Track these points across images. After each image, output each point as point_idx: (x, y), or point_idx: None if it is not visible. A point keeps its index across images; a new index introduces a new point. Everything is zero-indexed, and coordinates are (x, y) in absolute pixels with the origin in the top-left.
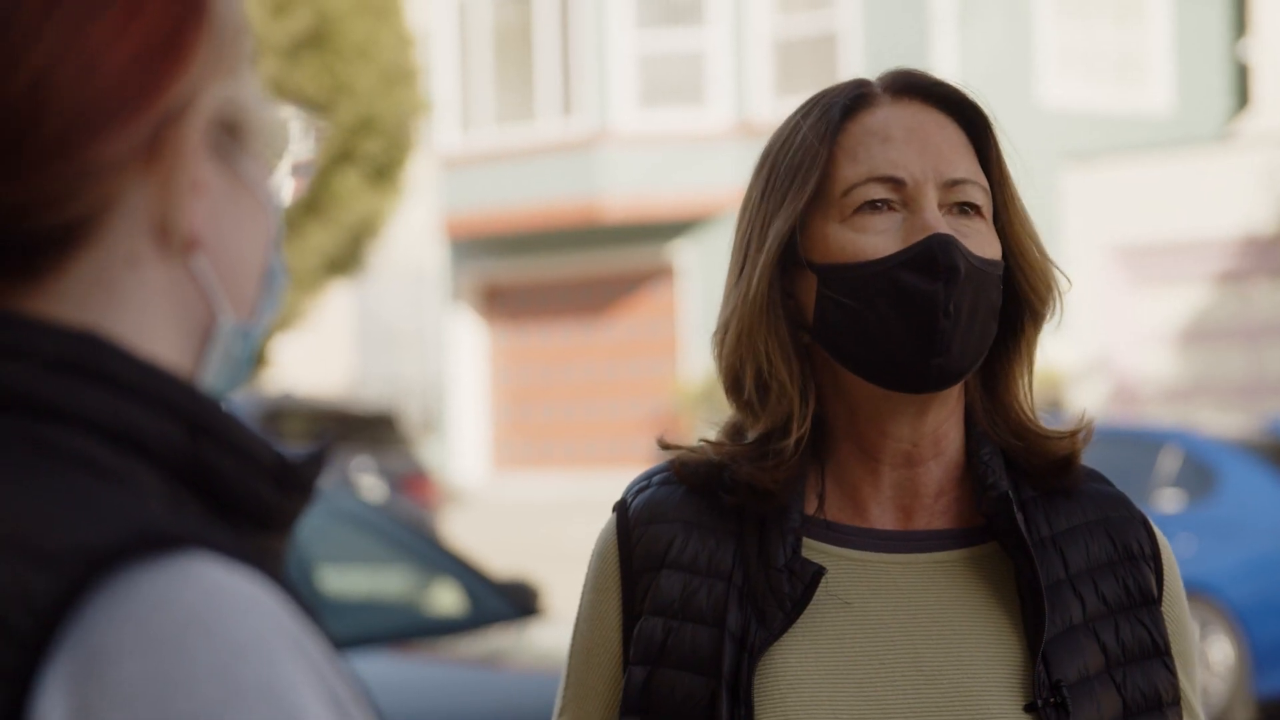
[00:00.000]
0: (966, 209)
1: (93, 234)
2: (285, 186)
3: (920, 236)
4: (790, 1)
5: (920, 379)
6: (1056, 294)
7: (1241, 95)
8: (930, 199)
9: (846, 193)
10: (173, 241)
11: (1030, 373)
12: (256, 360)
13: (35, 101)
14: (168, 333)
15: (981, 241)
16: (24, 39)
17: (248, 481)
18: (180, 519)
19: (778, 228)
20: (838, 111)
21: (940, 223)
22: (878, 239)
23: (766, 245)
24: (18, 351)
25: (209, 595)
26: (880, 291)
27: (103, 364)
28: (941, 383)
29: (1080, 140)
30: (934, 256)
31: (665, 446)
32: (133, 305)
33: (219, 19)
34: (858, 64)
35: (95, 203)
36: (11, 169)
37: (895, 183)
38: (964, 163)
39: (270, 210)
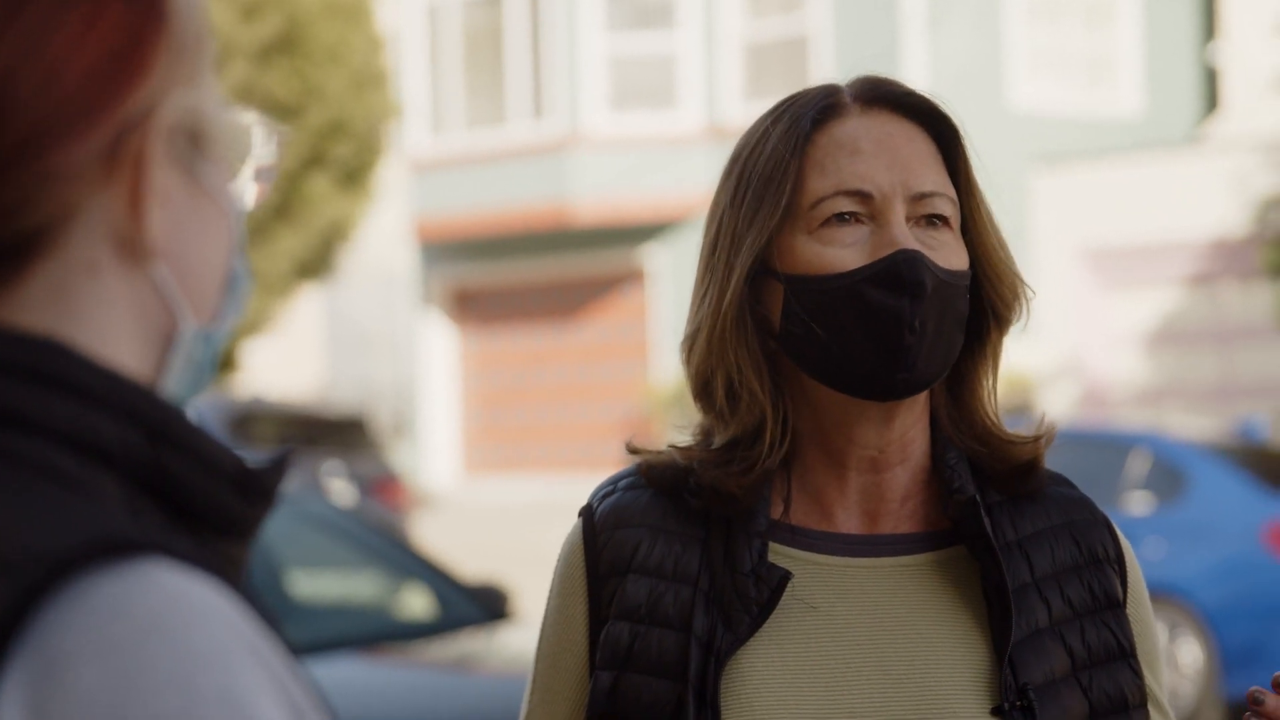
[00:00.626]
0: (934, 221)
1: (52, 243)
2: (248, 192)
3: (887, 251)
4: (761, 4)
5: (885, 390)
6: (1023, 300)
7: (1211, 98)
8: (898, 212)
9: (814, 205)
10: (133, 250)
11: (994, 377)
12: (219, 364)
13: None
14: (128, 340)
15: (949, 253)
16: None
17: (209, 488)
18: (140, 525)
19: (750, 242)
20: (808, 122)
21: (907, 237)
22: (844, 252)
23: (739, 259)
24: None
25: (168, 602)
26: (846, 305)
27: (62, 370)
28: (906, 393)
29: (1050, 143)
30: (900, 273)
31: (633, 451)
32: (93, 313)
33: (179, 27)
34: (829, 67)
35: (54, 211)
36: None
37: (862, 196)
38: (932, 175)
39: (232, 216)
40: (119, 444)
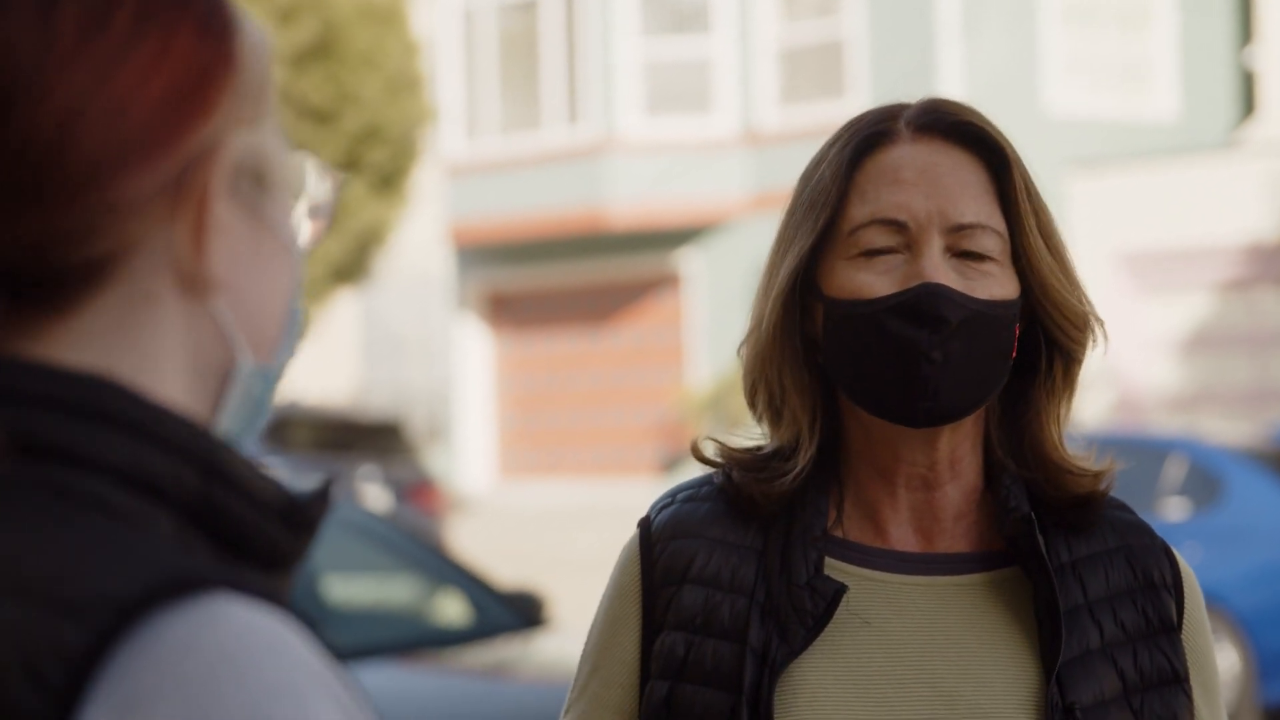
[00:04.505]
0: (975, 253)
1: (114, 273)
2: (303, 230)
3: (914, 283)
4: (796, 9)
5: (909, 418)
6: (1091, 333)
7: (1247, 103)
8: (932, 244)
9: (852, 232)
10: (194, 284)
11: (1063, 409)
12: (274, 399)
13: (62, 139)
14: (183, 374)
15: (990, 284)
16: (54, 77)
17: (258, 522)
18: (203, 561)
19: (789, 263)
20: (852, 151)
21: (937, 270)
22: (877, 280)
23: (779, 279)
24: (35, 398)
25: (238, 636)
26: (871, 332)
27: (115, 407)
28: (931, 422)
29: (1085, 148)
30: (920, 306)
31: (700, 459)
32: (149, 345)
33: (246, 68)
34: (864, 72)
35: (118, 241)
36: (36, 204)
37: (898, 226)
38: (974, 205)
39: (294, 255)
40: (171, 480)
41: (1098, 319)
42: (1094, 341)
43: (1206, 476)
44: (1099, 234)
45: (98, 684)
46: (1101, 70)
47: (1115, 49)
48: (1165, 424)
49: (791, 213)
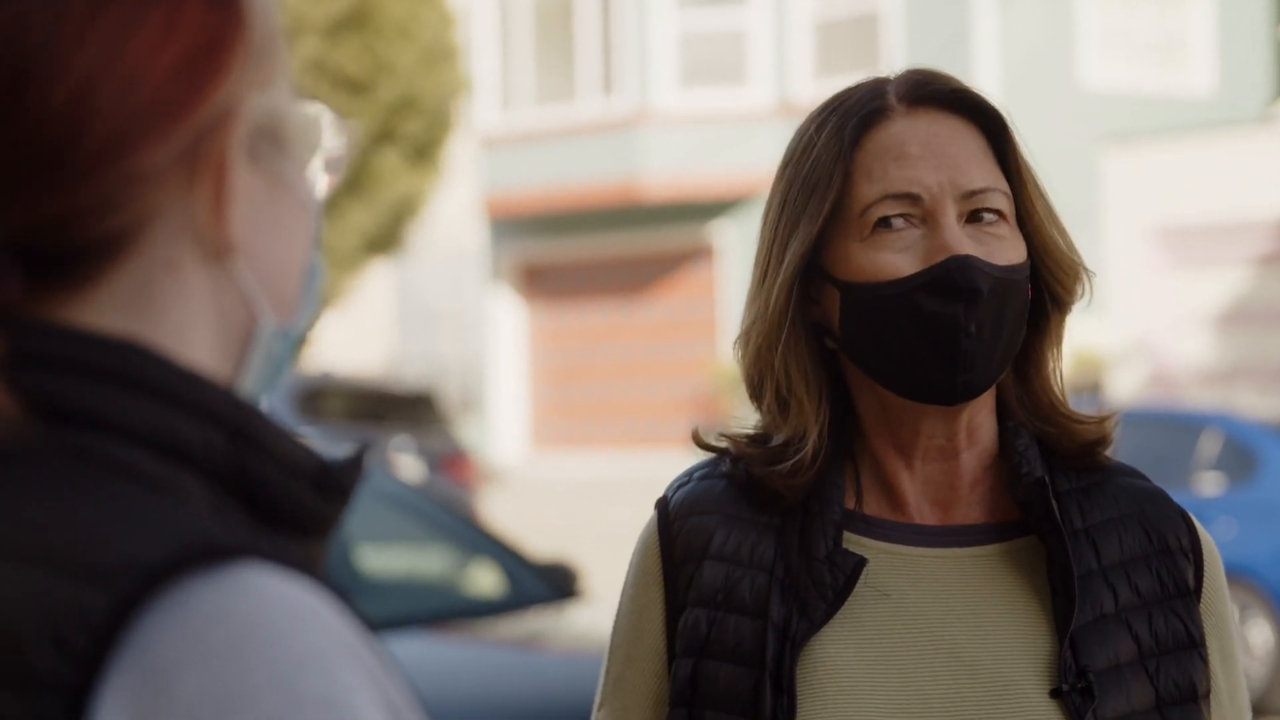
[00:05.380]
0: (988, 215)
1: (135, 242)
2: (318, 182)
3: (939, 258)
4: None
5: (948, 394)
6: (1084, 282)
7: None
8: (949, 214)
9: (864, 212)
10: (214, 249)
11: (1059, 356)
12: (296, 358)
13: (77, 113)
14: (208, 337)
15: (1005, 247)
16: (66, 51)
17: (290, 488)
18: (231, 528)
19: (795, 249)
20: (851, 130)
21: (960, 242)
22: (897, 258)
23: (784, 265)
24: (62, 363)
25: (265, 606)
26: (901, 312)
27: (145, 374)
28: (968, 395)
29: (1121, 122)
30: (953, 279)
31: (701, 445)
32: (173, 311)
33: (255, 29)
34: (899, 45)
35: (138, 212)
36: (55, 181)
37: (911, 199)
38: (980, 171)
39: (311, 211)
40: (201, 445)
41: (1086, 270)
42: (1082, 291)
43: (1241, 451)
44: (1134, 209)
45: (122, 650)
46: (1138, 44)
47: (1152, 23)
48: (1200, 399)
49: (784, 198)
